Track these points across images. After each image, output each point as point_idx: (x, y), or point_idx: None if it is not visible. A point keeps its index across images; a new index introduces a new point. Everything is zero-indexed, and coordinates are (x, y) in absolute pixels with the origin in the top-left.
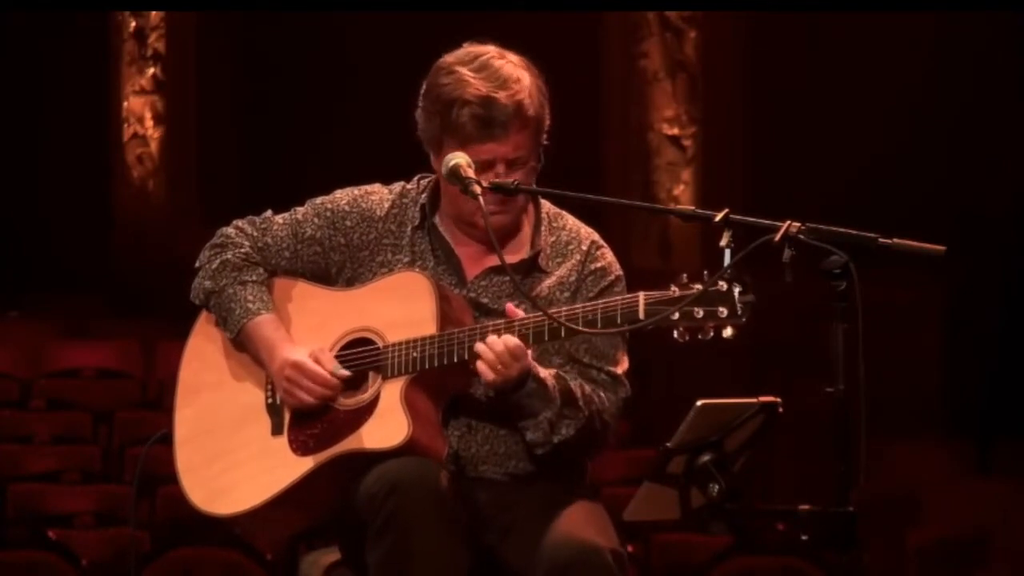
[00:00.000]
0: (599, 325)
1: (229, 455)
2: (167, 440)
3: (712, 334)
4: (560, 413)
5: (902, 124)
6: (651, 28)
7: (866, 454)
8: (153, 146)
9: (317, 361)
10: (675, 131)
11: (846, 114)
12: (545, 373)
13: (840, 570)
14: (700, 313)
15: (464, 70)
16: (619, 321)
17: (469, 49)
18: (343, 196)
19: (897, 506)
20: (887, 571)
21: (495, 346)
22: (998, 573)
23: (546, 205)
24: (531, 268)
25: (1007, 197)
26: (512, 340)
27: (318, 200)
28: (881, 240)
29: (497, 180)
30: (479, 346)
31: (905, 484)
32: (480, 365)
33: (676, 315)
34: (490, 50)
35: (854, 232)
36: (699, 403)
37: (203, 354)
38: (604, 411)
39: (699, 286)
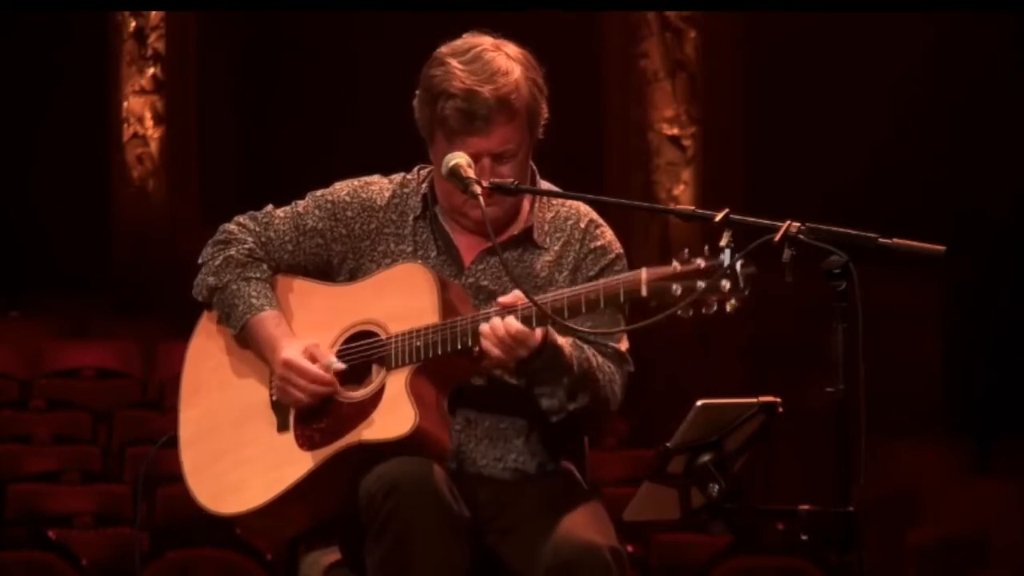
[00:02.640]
0: (602, 304)
1: (234, 453)
2: (173, 443)
3: (715, 308)
4: (577, 381)
5: (902, 124)
6: (651, 28)
7: (866, 454)
8: (153, 146)
9: (312, 357)
10: (675, 131)
11: (846, 114)
12: (562, 340)
13: (840, 570)
14: (702, 286)
15: (454, 62)
16: (622, 299)
17: (466, 39)
18: (343, 187)
19: (897, 506)
20: (887, 571)
21: (497, 330)
22: (998, 573)
23: (544, 184)
24: (524, 242)
25: (1007, 197)
26: (514, 325)
27: (318, 192)
28: (881, 240)
29: (497, 180)
30: (483, 327)
31: (905, 484)
32: (485, 343)
33: (679, 290)
34: (485, 41)
35: (854, 232)
36: (699, 403)
37: (206, 354)
38: (613, 381)
39: (701, 260)
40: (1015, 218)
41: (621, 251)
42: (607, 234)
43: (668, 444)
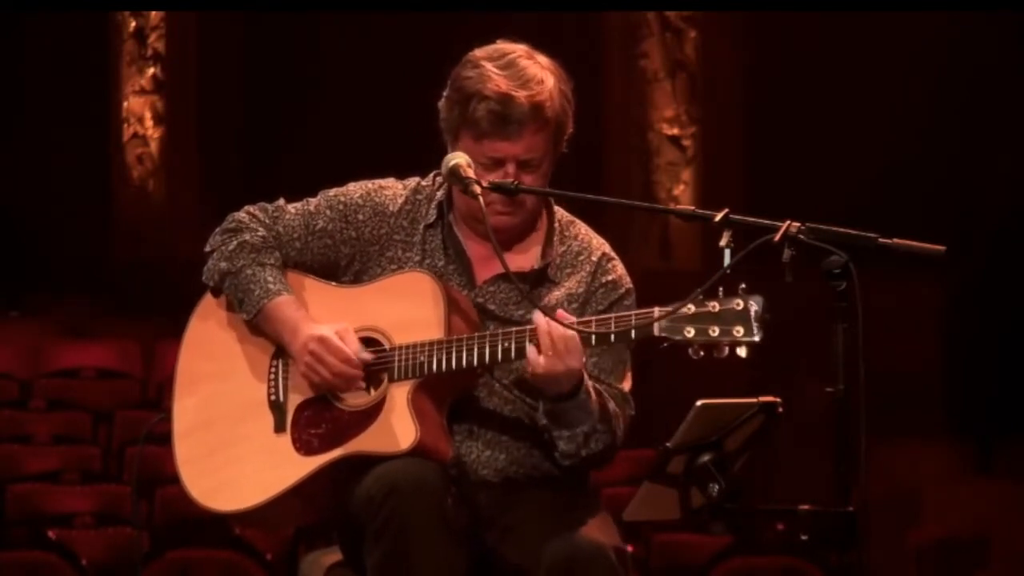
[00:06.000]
0: (612, 339)
1: (230, 449)
2: (166, 420)
3: (727, 352)
4: (595, 427)
5: (903, 124)
6: (651, 28)
7: (866, 454)
8: (153, 146)
9: (342, 340)
10: (675, 131)
11: (846, 114)
12: (589, 384)
13: (840, 570)
14: (715, 331)
15: (489, 65)
16: (633, 336)
17: (499, 46)
18: (356, 189)
19: (897, 506)
20: (887, 571)
21: (555, 329)
22: (998, 573)
23: (559, 212)
24: (541, 279)
25: (1008, 196)
26: (569, 332)
27: (331, 192)
28: (881, 240)
29: (497, 180)
30: (540, 322)
31: (905, 484)
32: (531, 352)
33: (691, 333)
34: (519, 49)
35: (854, 232)
36: (699, 403)
37: (203, 343)
38: (619, 427)
39: (715, 304)
40: (1016, 218)
41: (631, 287)
42: (618, 268)
43: (668, 444)
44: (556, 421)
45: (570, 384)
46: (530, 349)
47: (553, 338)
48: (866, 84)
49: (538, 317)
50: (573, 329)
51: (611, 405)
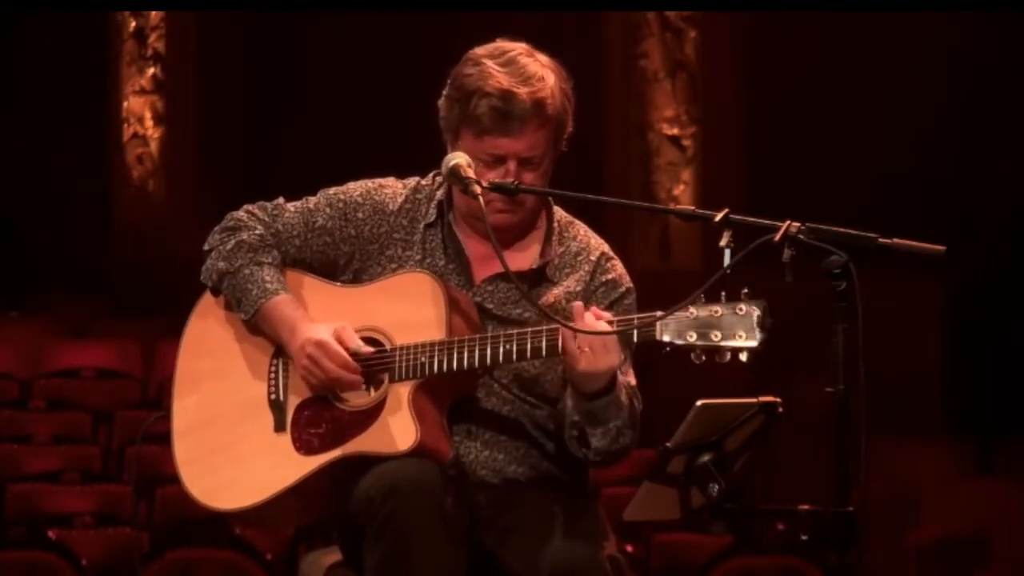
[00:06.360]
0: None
1: (230, 448)
2: (164, 418)
3: (729, 357)
4: (625, 421)
5: (903, 123)
6: (651, 28)
7: (866, 454)
8: (153, 146)
9: (340, 339)
10: (675, 131)
11: (846, 113)
12: (621, 380)
13: (840, 570)
14: (718, 336)
15: (490, 63)
16: (635, 339)
17: (499, 44)
18: (356, 188)
19: (897, 506)
20: (887, 571)
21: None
22: (998, 573)
23: (559, 213)
24: (539, 278)
25: (1007, 197)
26: (609, 331)
27: (331, 190)
28: (881, 240)
29: (497, 180)
30: (588, 318)
31: (905, 484)
32: (571, 345)
33: (694, 338)
34: (519, 47)
35: (854, 232)
36: (699, 403)
37: (203, 341)
38: (638, 421)
39: (718, 308)
40: (1016, 218)
41: (631, 286)
42: (618, 267)
43: (668, 444)
44: (591, 419)
45: (607, 380)
46: (569, 348)
47: (590, 342)
48: (866, 84)
49: (589, 318)
50: (572, 329)
51: (634, 401)
